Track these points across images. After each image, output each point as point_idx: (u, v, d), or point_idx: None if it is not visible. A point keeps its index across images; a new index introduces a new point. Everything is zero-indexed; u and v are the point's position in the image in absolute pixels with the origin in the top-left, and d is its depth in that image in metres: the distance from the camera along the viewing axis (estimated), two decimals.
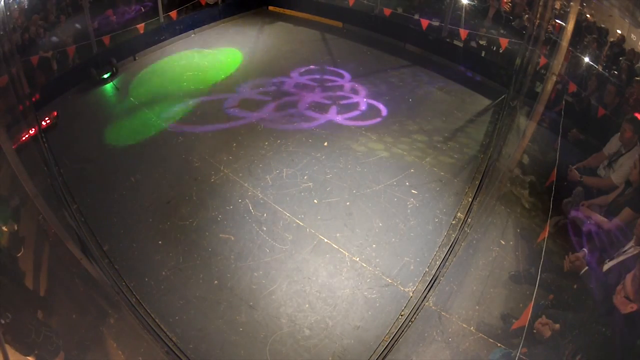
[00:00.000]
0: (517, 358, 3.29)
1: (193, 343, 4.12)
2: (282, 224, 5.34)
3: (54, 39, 7.87)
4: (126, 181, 5.95)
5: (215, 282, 4.67)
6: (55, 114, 7.03)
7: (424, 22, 9.05)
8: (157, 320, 4.28)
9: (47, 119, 6.89)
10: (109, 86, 8.23)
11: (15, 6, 7.37)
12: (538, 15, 7.38)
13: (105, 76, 8.35)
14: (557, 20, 7.49)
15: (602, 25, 7.21)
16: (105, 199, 5.66)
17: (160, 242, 5.09)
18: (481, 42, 8.98)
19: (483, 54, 9.01)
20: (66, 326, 3.93)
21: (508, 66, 8.20)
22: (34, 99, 7.03)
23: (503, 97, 7.95)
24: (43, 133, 6.62)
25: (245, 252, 4.98)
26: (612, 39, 6.80)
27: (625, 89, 5.54)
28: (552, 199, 4.63)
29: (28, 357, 3.38)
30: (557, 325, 3.49)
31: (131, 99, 7.79)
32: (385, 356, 4.03)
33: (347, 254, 5.00)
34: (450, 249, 5.06)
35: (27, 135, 6.25)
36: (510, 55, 8.24)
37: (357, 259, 4.96)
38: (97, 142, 6.70)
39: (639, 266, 3.06)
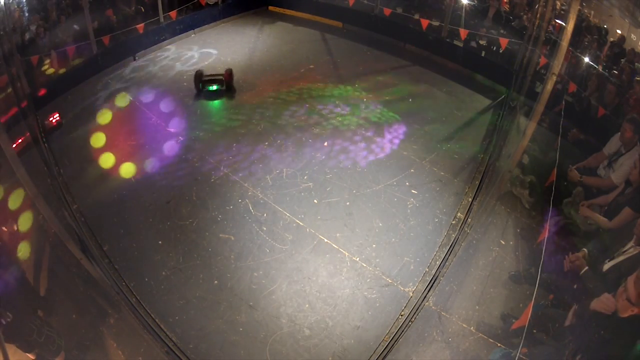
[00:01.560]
0: (517, 358, 3.28)
1: (193, 343, 4.12)
2: (282, 224, 5.34)
3: (54, 39, 7.87)
4: (126, 181, 5.95)
5: (215, 282, 4.67)
6: (57, 114, 6.99)
7: (424, 22, 9.05)
8: (157, 320, 4.28)
9: (51, 118, 6.84)
10: (216, 103, 7.71)
11: (15, 6, 7.37)
12: (538, 15, 7.38)
13: (214, 88, 7.89)
14: (557, 20, 7.50)
15: (604, 26, 7.23)
16: (105, 199, 5.66)
17: (160, 242, 5.09)
18: (481, 42, 8.98)
19: (483, 54, 9.01)
20: (66, 326, 3.94)
21: (508, 66, 8.20)
22: (33, 97, 7.03)
23: (503, 97, 7.95)
24: (44, 134, 6.61)
25: (245, 252, 4.98)
26: (612, 39, 6.81)
27: (626, 89, 5.54)
28: (552, 199, 4.62)
29: (29, 355, 3.38)
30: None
31: (130, 98, 7.79)
32: (385, 356, 4.03)
33: (347, 254, 5.00)
34: (450, 249, 5.06)
35: (28, 136, 6.23)
36: (510, 55, 8.24)
37: (357, 259, 4.96)
38: (97, 142, 6.70)
39: None
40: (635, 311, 2.90)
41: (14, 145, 5.76)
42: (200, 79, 7.86)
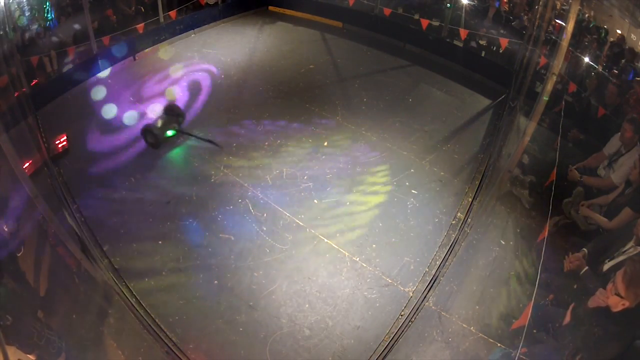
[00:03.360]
0: (517, 358, 3.28)
1: (193, 343, 4.11)
2: (282, 224, 5.34)
3: (54, 39, 7.87)
4: (126, 181, 5.95)
5: (215, 282, 4.67)
6: (65, 136, 6.44)
7: (424, 22, 9.05)
8: (157, 320, 4.28)
9: (57, 143, 6.33)
10: (177, 152, 6.09)
11: (16, 6, 7.37)
12: (538, 16, 7.38)
13: (170, 134, 6.46)
14: (557, 20, 7.50)
15: (604, 26, 7.23)
16: (105, 199, 5.66)
17: (160, 242, 5.09)
18: (481, 42, 8.98)
19: (483, 54, 9.01)
20: (66, 326, 3.93)
21: (508, 66, 8.20)
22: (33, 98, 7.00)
23: (503, 97, 7.95)
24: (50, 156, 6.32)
25: (245, 252, 4.98)
26: (612, 39, 6.81)
27: (626, 89, 5.55)
28: (552, 199, 4.63)
29: (29, 356, 3.38)
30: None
31: (130, 98, 7.79)
32: (385, 356, 4.03)
33: (347, 254, 5.00)
34: (450, 249, 5.06)
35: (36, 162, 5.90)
36: (510, 55, 8.24)
37: (357, 259, 4.96)
38: (97, 142, 6.69)
39: (629, 263, 3.07)
40: (627, 305, 2.92)
41: (25, 166, 5.52)
42: (152, 134, 6.37)
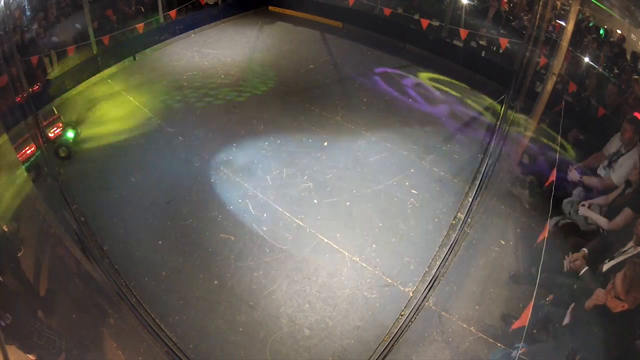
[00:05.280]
0: (517, 358, 3.29)
1: (193, 343, 4.12)
2: (282, 224, 5.34)
3: (54, 39, 7.87)
4: (126, 181, 5.95)
5: (215, 282, 4.67)
6: (60, 124, 6.69)
7: (424, 22, 9.05)
8: (157, 320, 4.28)
9: (54, 128, 6.57)
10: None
11: (15, 6, 7.36)
12: (538, 16, 7.38)
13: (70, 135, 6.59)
14: (557, 21, 7.50)
15: (604, 26, 7.22)
16: (105, 199, 5.66)
17: (160, 242, 5.09)
18: (481, 42, 8.98)
19: (483, 54, 9.01)
20: (66, 326, 3.93)
21: (508, 66, 8.20)
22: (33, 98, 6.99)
23: (503, 97, 7.96)
24: (45, 140, 6.47)
25: (245, 252, 4.98)
26: (612, 39, 6.81)
27: (625, 89, 5.54)
28: (552, 199, 4.63)
29: (29, 356, 3.38)
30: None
31: (130, 98, 7.79)
32: (385, 356, 4.03)
33: (347, 254, 5.00)
34: (450, 249, 5.06)
35: (33, 148, 6.05)
36: (510, 55, 8.24)
37: (357, 259, 4.96)
38: (97, 143, 6.69)
39: (628, 265, 3.07)
40: (625, 307, 2.93)
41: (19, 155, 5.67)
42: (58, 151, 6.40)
